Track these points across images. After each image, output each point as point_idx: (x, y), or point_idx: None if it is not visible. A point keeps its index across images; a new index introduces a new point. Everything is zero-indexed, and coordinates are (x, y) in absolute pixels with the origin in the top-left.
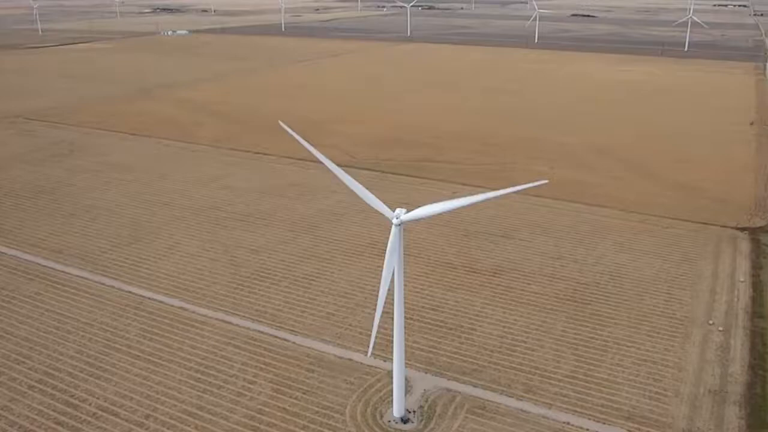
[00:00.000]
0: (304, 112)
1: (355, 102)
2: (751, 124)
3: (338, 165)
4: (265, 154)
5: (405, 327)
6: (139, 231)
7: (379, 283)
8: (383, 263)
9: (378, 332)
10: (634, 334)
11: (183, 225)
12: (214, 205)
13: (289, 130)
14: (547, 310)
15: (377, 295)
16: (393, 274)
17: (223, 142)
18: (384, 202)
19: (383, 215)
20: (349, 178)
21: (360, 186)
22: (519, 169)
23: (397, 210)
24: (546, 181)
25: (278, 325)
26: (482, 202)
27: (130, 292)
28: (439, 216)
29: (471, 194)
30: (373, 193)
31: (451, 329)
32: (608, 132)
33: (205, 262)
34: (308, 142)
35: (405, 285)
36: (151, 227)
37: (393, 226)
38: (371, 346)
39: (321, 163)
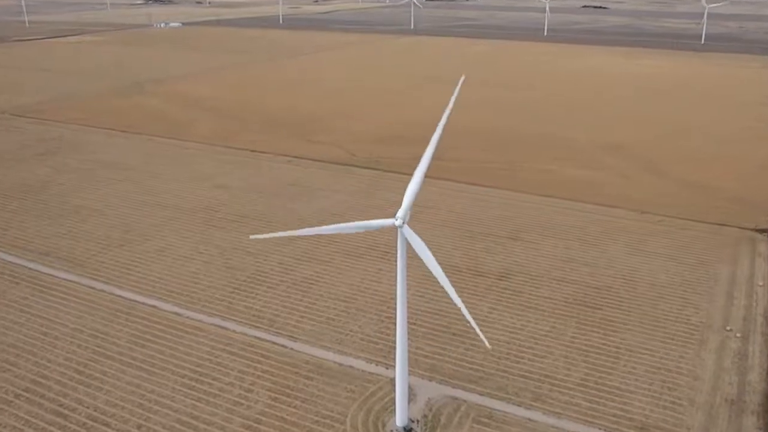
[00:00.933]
0: (302, 107)
1: (355, 97)
2: None
3: (338, 163)
4: (261, 152)
5: (408, 332)
6: (130, 232)
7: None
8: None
9: (380, 338)
10: (647, 340)
11: (176, 226)
12: (208, 205)
13: (265, 236)
14: (557, 315)
15: (381, 300)
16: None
17: (218, 140)
18: (384, 202)
19: (389, 215)
20: (331, 228)
21: (349, 225)
22: (526, 167)
23: (399, 211)
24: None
25: (276, 330)
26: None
27: (120, 296)
28: (445, 216)
29: (476, 195)
30: (373, 193)
31: (456, 335)
32: (620, 129)
33: (199, 264)
34: (307, 139)
35: (409, 288)
36: (142, 228)
37: (398, 230)
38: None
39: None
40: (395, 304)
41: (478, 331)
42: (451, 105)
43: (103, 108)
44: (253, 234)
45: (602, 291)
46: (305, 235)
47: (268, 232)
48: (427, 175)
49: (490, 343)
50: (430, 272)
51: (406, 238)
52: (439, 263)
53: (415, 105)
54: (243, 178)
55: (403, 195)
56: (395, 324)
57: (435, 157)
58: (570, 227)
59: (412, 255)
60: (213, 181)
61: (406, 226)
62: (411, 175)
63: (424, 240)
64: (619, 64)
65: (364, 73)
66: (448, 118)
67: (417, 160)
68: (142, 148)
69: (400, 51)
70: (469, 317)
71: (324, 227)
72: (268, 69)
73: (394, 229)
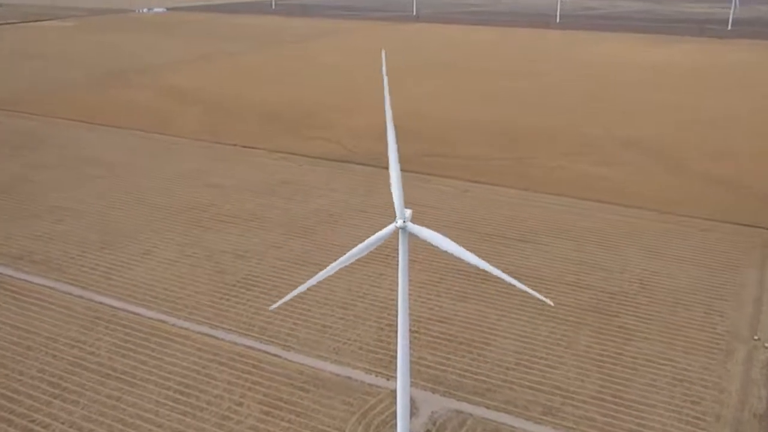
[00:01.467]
0: (297, 100)
1: (354, 89)
2: None
3: (335, 160)
4: (253, 147)
5: (410, 341)
6: (111, 234)
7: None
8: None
9: (380, 347)
10: (668, 350)
11: (161, 227)
12: (196, 204)
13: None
14: (570, 323)
15: (381, 306)
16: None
17: (207, 134)
18: (385, 201)
19: (386, 217)
20: (339, 262)
21: (353, 253)
22: (538, 164)
23: (405, 212)
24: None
25: (268, 339)
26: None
27: (100, 302)
28: (448, 217)
29: (483, 194)
30: (373, 191)
31: (461, 344)
32: (638, 121)
33: (186, 268)
34: (302, 134)
35: (411, 294)
36: (124, 230)
37: (399, 230)
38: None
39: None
40: (396, 310)
41: (530, 291)
42: (386, 88)
43: (83, 99)
44: (243, 236)
45: (618, 297)
46: (317, 281)
47: (260, 233)
48: (431, 172)
49: (500, 353)
50: (433, 276)
51: (407, 240)
52: (443, 267)
53: (418, 97)
54: (233, 175)
55: (406, 194)
56: (396, 332)
57: (435, 154)
58: (584, 228)
59: (414, 259)
60: (201, 179)
61: (409, 224)
62: (414, 172)
63: (423, 243)
64: (637, 52)
65: (364, 63)
66: (390, 107)
67: (420, 156)
68: (125, 143)
69: (402, 38)
70: (513, 281)
71: (330, 267)
72: (260, 58)
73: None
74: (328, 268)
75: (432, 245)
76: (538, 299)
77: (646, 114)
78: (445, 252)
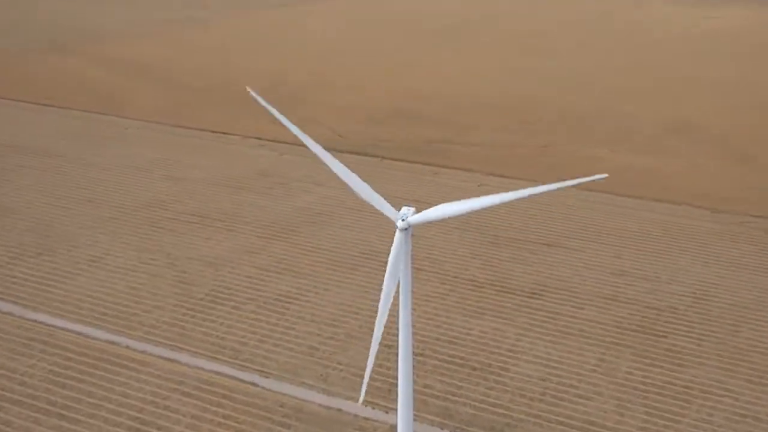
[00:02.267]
0: (277, 75)
1: (345, 61)
2: None
3: (325, 148)
4: (225, 133)
5: (414, 366)
6: (51, 237)
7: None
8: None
9: (377, 373)
10: (727, 378)
11: (113, 228)
12: (156, 201)
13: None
14: (607, 345)
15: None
16: (398, 292)
17: (168, 117)
18: (385, 198)
19: (385, 216)
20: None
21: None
22: (565, 152)
23: (404, 209)
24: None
25: (242, 364)
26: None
27: (35, 320)
28: (458, 217)
29: (502, 189)
30: (370, 184)
31: (475, 369)
32: (690, 101)
33: (144, 278)
34: (284, 115)
35: (414, 309)
36: (67, 232)
37: (397, 231)
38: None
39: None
40: (397, 328)
41: (580, 180)
42: None
43: (12, 73)
44: (210, 237)
45: (665, 313)
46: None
47: (233, 236)
48: (437, 163)
49: (522, 380)
50: (441, 288)
51: (410, 243)
52: (453, 276)
53: (422, 72)
54: (200, 166)
55: (408, 189)
56: (397, 355)
57: (444, 140)
58: (623, 230)
59: (418, 266)
60: (161, 171)
61: (407, 232)
62: (417, 162)
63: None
64: (687, 17)
65: (357, 31)
66: None
67: (425, 143)
68: (68, 128)
69: (405, 1)
70: (556, 185)
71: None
72: (233, 25)
73: (393, 230)
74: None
75: (445, 221)
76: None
77: (698, 93)
78: (461, 215)
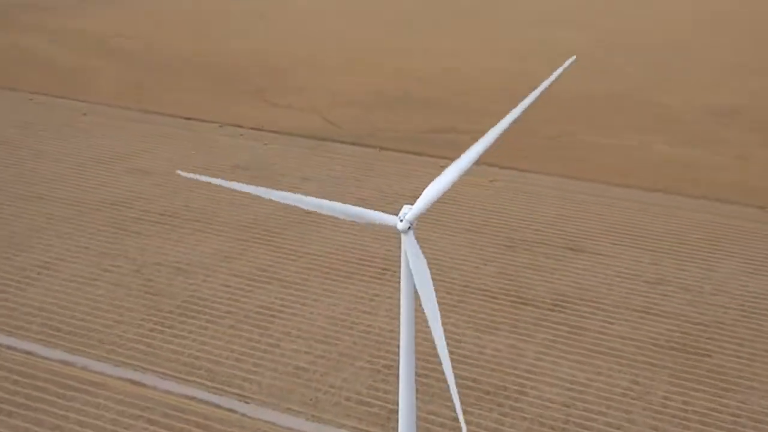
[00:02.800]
0: (260, 52)
1: (339, 38)
2: None
3: (312, 137)
4: (199, 119)
5: (417, 389)
6: None
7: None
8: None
9: (375, 397)
10: None
11: (68, 230)
12: (118, 198)
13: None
14: (640, 365)
15: (377, 340)
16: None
17: (133, 100)
18: (382, 195)
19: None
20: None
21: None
22: (593, 143)
23: (404, 208)
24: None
25: (218, 387)
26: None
27: None
28: (468, 217)
29: (518, 184)
30: (364, 182)
31: (488, 393)
32: (736, 83)
33: (104, 288)
34: (267, 100)
35: (417, 323)
36: (14, 235)
37: (402, 235)
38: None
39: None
40: (398, 346)
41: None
42: None
43: None
44: (183, 240)
45: (710, 328)
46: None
47: (208, 239)
48: (445, 155)
49: (541, 406)
50: (449, 298)
51: (415, 247)
52: (463, 286)
53: (427, 50)
54: (170, 158)
55: (411, 184)
56: (397, 376)
57: (451, 129)
58: (661, 232)
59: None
60: (125, 163)
61: (411, 232)
62: (422, 155)
63: (435, 252)
64: None
65: (353, 3)
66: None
67: (430, 132)
68: (15, 113)
69: None
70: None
71: (299, 196)
72: None
73: (395, 236)
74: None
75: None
76: None
77: (747, 73)
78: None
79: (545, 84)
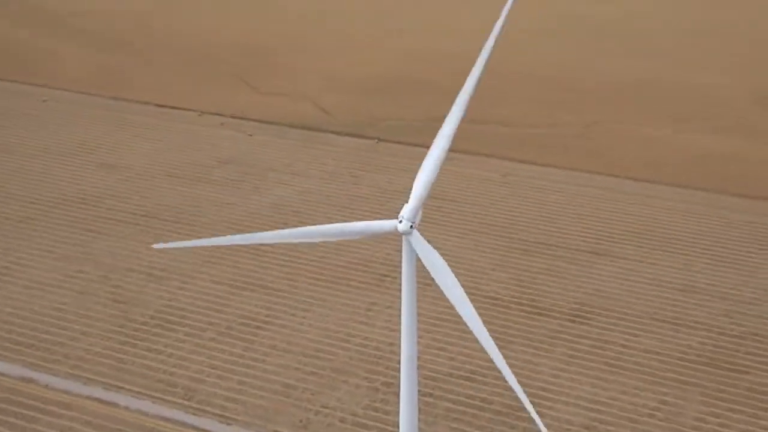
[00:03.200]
0: (242, 31)
1: (333, 14)
2: None
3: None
4: (176, 107)
5: (420, 408)
6: None
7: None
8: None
9: (372, 418)
10: None
11: (29, 231)
12: (85, 196)
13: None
14: (670, 383)
15: (374, 355)
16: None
17: (101, 86)
18: (380, 192)
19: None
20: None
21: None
22: (620, 133)
23: (404, 208)
24: None
25: (197, 407)
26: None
27: None
28: (479, 217)
29: (534, 180)
30: (361, 177)
31: (499, 413)
32: None
33: (70, 296)
34: (253, 86)
35: (420, 335)
36: None
37: (403, 238)
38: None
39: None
40: (398, 361)
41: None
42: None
43: None
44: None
45: (747, 341)
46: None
47: (184, 239)
48: (451, 148)
49: (556, 428)
50: (455, 308)
51: (415, 251)
52: (471, 294)
53: (432, 28)
54: (144, 151)
55: (412, 182)
56: (398, 396)
57: (466, 119)
58: (695, 234)
59: (426, 280)
60: (92, 156)
61: (415, 232)
62: (426, 147)
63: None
64: None
65: None
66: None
67: (436, 121)
68: None
69: None
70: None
71: (287, 231)
72: None
73: (396, 237)
74: (283, 232)
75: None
76: None
77: None
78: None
79: (498, 24)
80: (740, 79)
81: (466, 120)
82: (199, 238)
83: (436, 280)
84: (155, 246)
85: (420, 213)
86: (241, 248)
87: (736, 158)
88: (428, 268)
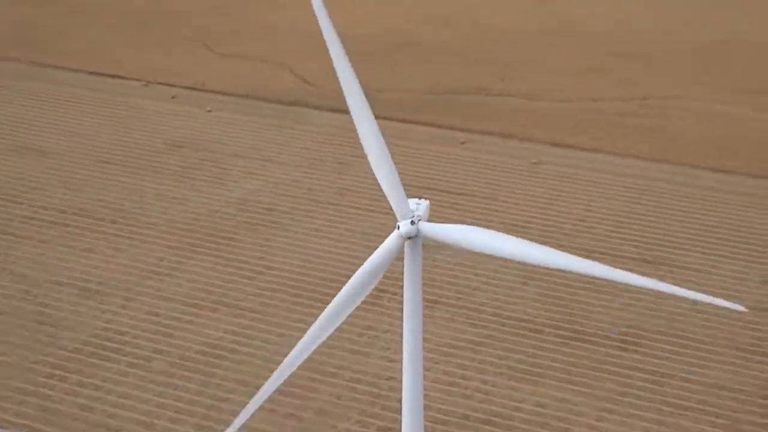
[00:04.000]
0: None
1: None
2: None
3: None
4: (113, 75)
5: None
6: None
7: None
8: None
9: None
10: None
11: None
12: (0, 190)
13: None
14: (746, 427)
15: (372, 393)
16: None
17: (19, 49)
18: (375, 183)
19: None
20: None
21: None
22: (677, 109)
23: (412, 202)
24: None
25: None
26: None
27: None
28: (501, 215)
29: (570, 169)
30: (349, 164)
31: None
32: None
33: None
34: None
35: (427, 367)
36: None
37: (401, 238)
38: None
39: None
40: (400, 399)
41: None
42: None
43: None
44: (90, 248)
45: None
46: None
47: (129, 247)
48: (469, 126)
49: None
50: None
51: (420, 258)
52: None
53: None
54: (75, 131)
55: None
56: None
57: (482, 89)
58: None
59: (433, 296)
60: (11, 139)
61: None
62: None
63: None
64: None
65: None
66: None
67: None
68: None
69: None
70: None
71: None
72: None
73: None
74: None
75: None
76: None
77: None
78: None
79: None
80: None
81: (484, 91)
82: (144, 241)
83: (466, 245)
84: None
85: (427, 206)
86: (200, 257)
87: None
88: (452, 241)
